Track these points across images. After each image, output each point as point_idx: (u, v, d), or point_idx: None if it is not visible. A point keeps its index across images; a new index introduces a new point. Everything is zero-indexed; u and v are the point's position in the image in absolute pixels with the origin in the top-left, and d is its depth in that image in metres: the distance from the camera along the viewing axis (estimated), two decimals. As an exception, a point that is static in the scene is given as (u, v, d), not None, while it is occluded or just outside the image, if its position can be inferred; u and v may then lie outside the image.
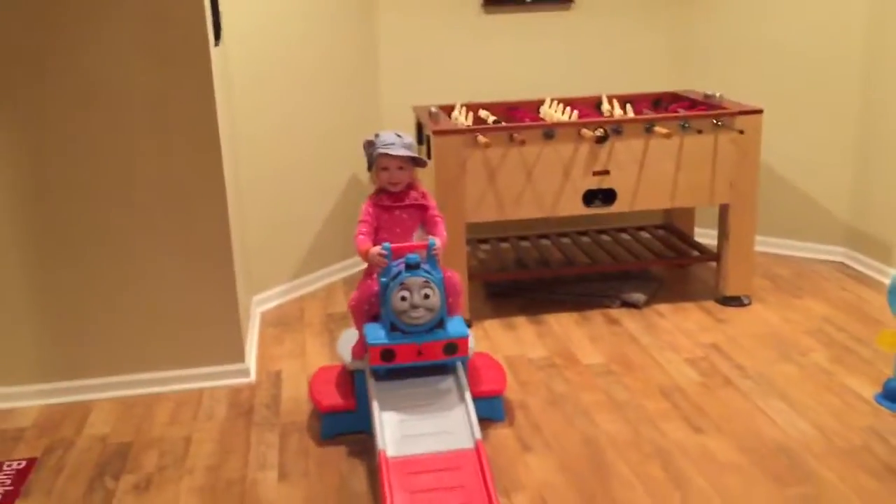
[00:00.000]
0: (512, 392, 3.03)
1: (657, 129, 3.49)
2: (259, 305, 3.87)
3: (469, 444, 2.38)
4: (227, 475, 2.61)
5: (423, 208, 2.77)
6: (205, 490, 2.54)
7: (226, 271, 3.13)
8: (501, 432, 2.79)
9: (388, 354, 2.52)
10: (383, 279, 2.56)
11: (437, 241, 2.61)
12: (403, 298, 2.51)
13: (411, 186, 2.77)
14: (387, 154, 2.67)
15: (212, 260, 3.09)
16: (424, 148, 3.77)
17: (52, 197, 2.94)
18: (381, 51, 4.30)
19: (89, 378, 3.11)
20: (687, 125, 3.52)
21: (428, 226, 2.76)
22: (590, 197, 3.58)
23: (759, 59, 4.21)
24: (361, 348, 2.67)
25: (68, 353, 3.08)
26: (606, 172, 3.55)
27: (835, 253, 4.27)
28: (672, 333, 3.51)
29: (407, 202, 2.75)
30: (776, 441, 2.69)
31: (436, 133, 3.47)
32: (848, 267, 4.18)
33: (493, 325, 3.65)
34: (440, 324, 2.56)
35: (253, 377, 3.24)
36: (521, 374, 3.19)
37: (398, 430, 2.42)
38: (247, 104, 3.60)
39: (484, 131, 3.48)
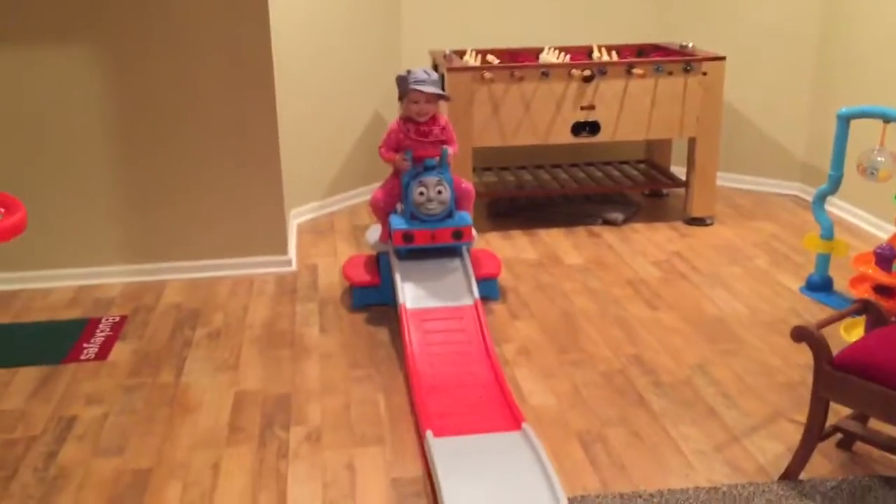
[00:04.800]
0: (505, 281, 3.73)
1: (635, 71, 4.15)
2: (295, 218, 4.56)
3: (469, 302, 3.08)
4: (279, 328, 3.33)
5: (444, 142, 3.30)
6: (262, 338, 3.25)
7: (275, 178, 3.82)
8: (496, 306, 3.49)
9: (408, 237, 3.21)
10: (405, 178, 3.24)
11: (450, 149, 3.29)
12: (421, 193, 3.20)
13: (434, 118, 3.31)
14: (418, 90, 3.22)
15: (265, 169, 3.79)
16: (439, 85, 4.43)
17: (135, 112, 3.62)
18: (403, 2, 4.94)
19: (162, 262, 3.82)
20: (660, 68, 4.17)
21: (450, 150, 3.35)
22: (578, 128, 4.25)
23: (729, 12, 4.83)
24: (387, 234, 3.36)
25: (146, 240, 3.79)
26: (592, 107, 4.21)
27: (791, 187, 4.93)
28: (643, 244, 4.20)
29: (430, 138, 3.27)
30: (714, 315, 3.39)
31: (449, 70, 4.14)
32: (802, 199, 4.84)
33: (493, 236, 4.34)
34: (450, 215, 3.25)
35: (295, 267, 3.94)
36: (515, 269, 3.88)
37: (414, 291, 3.12)
38: (289, 47, 4.25)
39: (489, 69, 4.15)
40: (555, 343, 3.17)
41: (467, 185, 3.43)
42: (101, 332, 3.30)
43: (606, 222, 4.48)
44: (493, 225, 4.50)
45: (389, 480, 2.37)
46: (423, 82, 3.20)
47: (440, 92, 3.26)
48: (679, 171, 4.85)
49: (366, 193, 4.95)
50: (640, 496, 2.26)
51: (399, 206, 3.34)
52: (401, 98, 3.30)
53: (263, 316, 3.45)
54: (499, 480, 2.16)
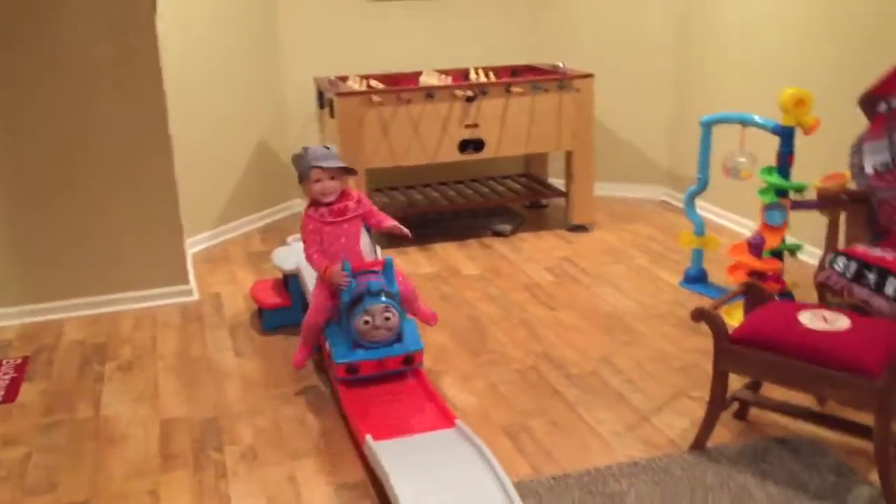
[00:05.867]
0: (410, 294, 3.86)
1: (514, 89, 4.41)
2: (188, 249, 4.51)
3: (385, 314, 3.20)
4: (193, 356, 3.32)
5: (362, 216, 2.95)
6: (177, 367, 3.24)
7: (171, 208, 3.81)
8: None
9: (352, 370, 2.78)
10: (346, 298, 2.78)
11: (389, 223, 2.96)
12: (366, 322, 2.75)
13: (345, 194, 2.94)
14: (319, 166, 2.87)
15: (161, 200, 3.77)
16: (326, 111, 4.54)
17: (26, 148, 3.54)
18: (282, 33, 5.01)
19: (60, 300, 3.72)
20: (537, 87, 4.45)
21: (372, 223, 2.98)
22: (464, 146, 4.46)
23: (592, 32, 5.19)
24: (305, 352, 3.00)
25: (40, 279, 3.68)
26: (476, 126, 4.44)
27: (659, 192, 5.34)
28: (532, 252, 4.44)
29: (348, 215, 2.91)
30: (608, 312, 3.65)
31: (338, 95, 4.26)
32: (669, 203, 5.24)
33: (389, 253, 4.45)
34: (398, 338, 2.84)
35: (197, 296, 3.93)
36: (416, 283, 3.98)
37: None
38: (172, 78, 4.23)
39: (378, 93, 4.29)
40: (467, 348, 3.33)
41: (407, 283, 3.06)
42: (5, 374, 3.19)
43: (496, 234, 4.71)
44: (388, 243, 4.61)
45: (333, 488, 2.44)
46: (322, 158, 2.88)
47: (343, 165, 2.93)
48: (557, 182, 5.15)
49: (256, 220, 4.99)
50: (571, 476, 2.44)
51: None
52: (301, 180, 2.94)
53: (174, 346, 3.43)
54: (445, 473, 2.28)
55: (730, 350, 2.42)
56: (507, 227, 4.72)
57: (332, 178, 2.89)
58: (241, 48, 4.75)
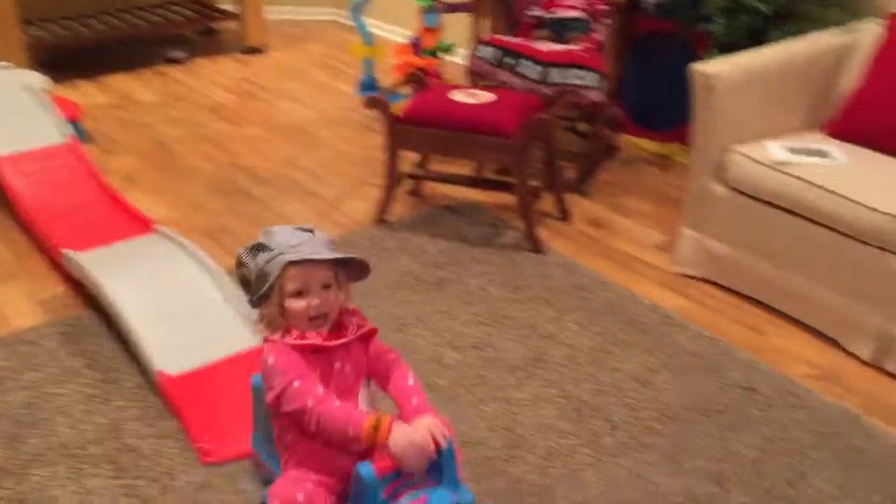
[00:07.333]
0: (85, 125, 3.73)
1: None
2: None
3: (59, 140, 3.10)
4: None
5: (367, 339, 1.63)
6: None
7: None
8: (86, 148, 3.51)
9: None
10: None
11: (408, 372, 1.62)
12: None
13: (341, 312, 1.63)
14: (303, 261, 1.53)
15: None
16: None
17: None
18: None
19: None
20: None
21: (381, 369, 1.63)
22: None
23: None
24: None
25: None
26: (133, -55, 4.23)
27: (329, 13, 5.50)
28: (211, 76, 4.46)
29: (349, 336, 1.59)
30: (290, 123, 3.85)
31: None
32: (339, 23, 5.43)
33: (49, 79, 4.21)
34: None
35: None
36: (90, 114, 3.87)
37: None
38: None
39: None
40: (156, 166, 3.38)
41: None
42: None
43: (170, 61, 4.62)
44: (55, 78, 4.34)
45: (37, 303, 2.48)
46: (302, 245, 1.55)
47: (349, 255, 1.60)
48: (227, 7, 5.10)
49: None
50: (271, 259, 2.69)
51: None
52: (265, 296, 1.57)
53: None
54: (155, 273, 2.40)
55: (397, 129, 2.75)
56: (180, 54, 4.65)
57: (327, 285, 1.57)
58: None
